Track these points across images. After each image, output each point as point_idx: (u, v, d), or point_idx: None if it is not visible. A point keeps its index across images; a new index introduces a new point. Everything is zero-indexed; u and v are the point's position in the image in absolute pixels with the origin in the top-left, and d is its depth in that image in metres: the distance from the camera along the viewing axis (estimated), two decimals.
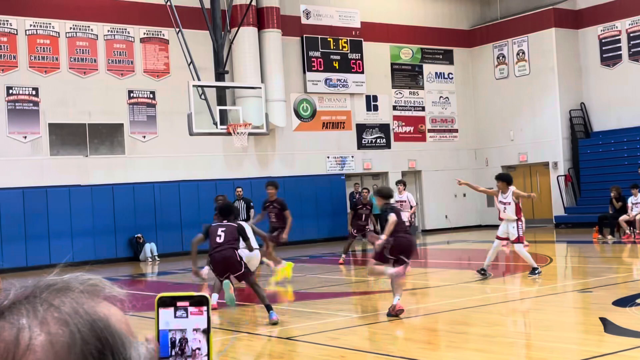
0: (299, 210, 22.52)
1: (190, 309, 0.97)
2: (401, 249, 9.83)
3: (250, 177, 23.52)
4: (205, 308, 0.97)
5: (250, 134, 17.87)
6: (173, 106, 22.08)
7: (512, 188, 13.00)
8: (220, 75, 17.86)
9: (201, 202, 21.94)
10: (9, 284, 0.87)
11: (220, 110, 17.45)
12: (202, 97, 17.02)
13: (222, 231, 10.10)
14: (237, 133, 17.13)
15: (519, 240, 12.89)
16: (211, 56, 18.24)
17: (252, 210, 18.92)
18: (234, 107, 19.40)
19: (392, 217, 9.72)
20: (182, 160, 22.80)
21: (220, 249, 10.05)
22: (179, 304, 0.96)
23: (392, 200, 10.50)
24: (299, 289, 12.59)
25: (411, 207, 17.46)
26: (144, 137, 22.57)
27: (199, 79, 17.52)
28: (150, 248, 21.42)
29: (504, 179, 13.24)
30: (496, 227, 20.75)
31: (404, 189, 17.84)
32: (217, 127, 17.22)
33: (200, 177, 22.83)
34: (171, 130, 22.41)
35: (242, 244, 11.14)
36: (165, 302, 0.96)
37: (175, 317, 0.96)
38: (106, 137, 21.97)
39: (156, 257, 21.20)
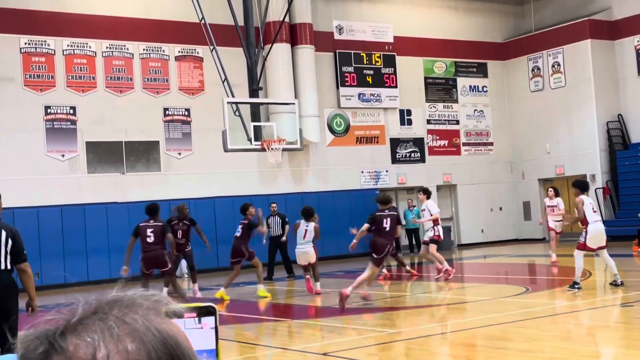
0: (333, 225, 22.49)
1: (198, 319, 0.96)
2: (376, 248, 12.98)
3: (284, 193, 23.57)
4: (213, 318, 0.96)
5: (284, 149, 17.91)
6: (208, 123, 22.25)
7: (581, 196, 13.09)
8: (254, 91, 17.95)
9: (236, 218, 21.93)
10: (73, 298, 0.85)
11: (254, 126, 17.53)
12: (237, 113, 17.11)
13: (151, 232, 12.76)
14: (272, 149, 17.18)
15: (578, 246, 13.07)
16: (245, 73, 18.35)
17: (286, 226, 18.96)
18: (268, 123, 19.48)
19: (365, 226, 13.33)
20: (217, 177, 22.93)
21: (153, 248, 12.85)
22: (187, 315, 0.95)
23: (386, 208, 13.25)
24: (335, 304, 12.54)
25: (431, 214, 16.33)
26: (180, 154, 22.76)
27: (233, 96, 17.63)
28: (185, 264, 21.48)
29: (576, 185, 13.46)
30: (533, 240, 20.65)
31: (426, 198, 16.67)
32: (251, 143, 17.29)
33: (235, 193, 22.92)
34: (206, 146, 22.57)
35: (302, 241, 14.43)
36: (172, 314, 0.95)
37: (184, 329, 0.95)
38: (142, 154, 22.20)
39: None
